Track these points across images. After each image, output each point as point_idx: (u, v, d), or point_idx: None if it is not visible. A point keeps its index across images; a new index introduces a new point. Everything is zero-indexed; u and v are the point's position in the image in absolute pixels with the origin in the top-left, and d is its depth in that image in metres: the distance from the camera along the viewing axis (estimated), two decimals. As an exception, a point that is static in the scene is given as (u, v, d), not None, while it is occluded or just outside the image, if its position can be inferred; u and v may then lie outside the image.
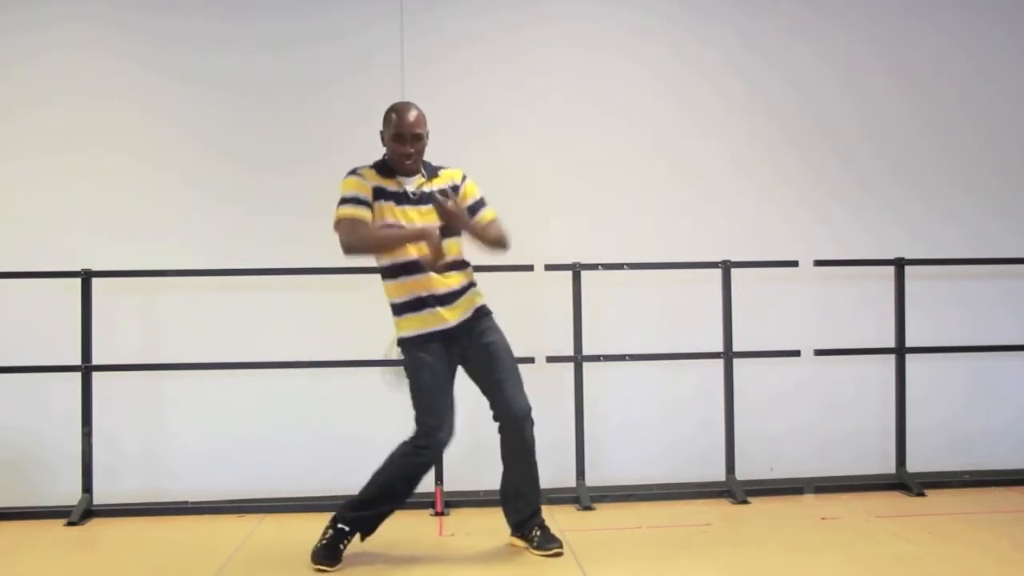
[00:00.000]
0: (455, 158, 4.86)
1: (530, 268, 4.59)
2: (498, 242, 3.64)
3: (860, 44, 5.15)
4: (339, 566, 3.50)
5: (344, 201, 3.57)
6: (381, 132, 3.66)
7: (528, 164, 4.90)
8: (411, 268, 3.54)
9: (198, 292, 4.71)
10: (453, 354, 3.62)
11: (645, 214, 5.00)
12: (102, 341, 4.50)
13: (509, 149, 4.91)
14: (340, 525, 3.57)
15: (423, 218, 3.56)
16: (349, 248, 3.54)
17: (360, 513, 3.59)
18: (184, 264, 4.61)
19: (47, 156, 4.76)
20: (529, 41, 5.01)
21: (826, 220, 5.08)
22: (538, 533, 3.68)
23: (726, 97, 5.07)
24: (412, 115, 3.57)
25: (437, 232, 3.46)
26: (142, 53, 4.83)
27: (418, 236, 3.49)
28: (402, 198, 3.58)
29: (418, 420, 3.56)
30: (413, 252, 3.52)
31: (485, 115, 4.91)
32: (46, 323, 4.63)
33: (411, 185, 3.60)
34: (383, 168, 3.63)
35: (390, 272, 3.59)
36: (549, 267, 4.63)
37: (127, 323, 4.73)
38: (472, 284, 3.69)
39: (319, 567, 3.48)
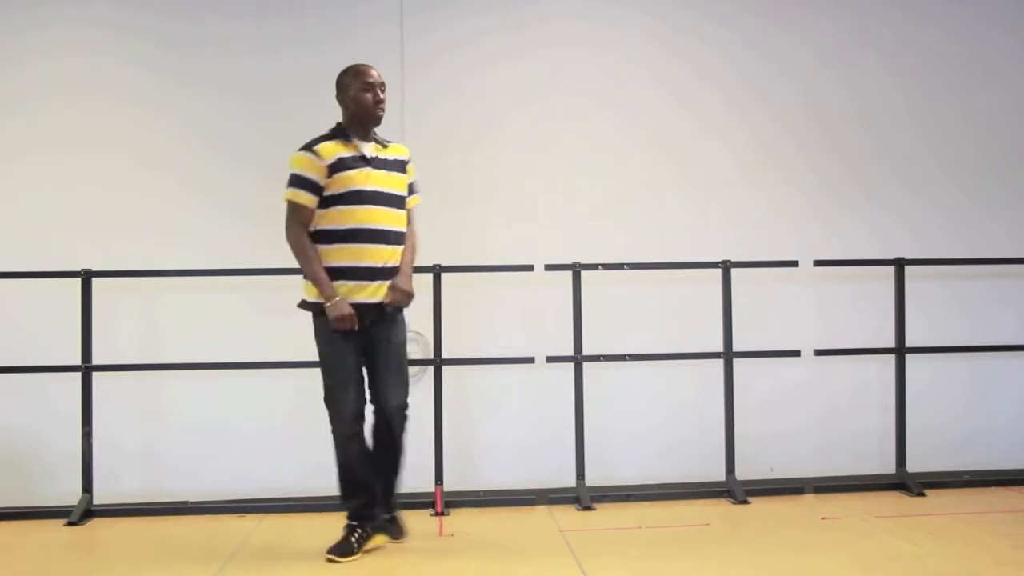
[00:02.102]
0: (455, 158, 4.90)
1: (530, 268, 4.59)
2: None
3: (861, 44, 5.16)
4: (353, 558, 3.58)
5: (293, 181, 3.64)
6: (338, 96, 3.76)
7: (528, 164, 4.91)
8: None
9: (198, 292, 4.71)
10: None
11: (645, 214, 5.00)
12: (102, 341, 4.50)
13: (509, 149, 4.92)
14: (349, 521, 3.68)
15: (383, 182, 3.64)
16: (287, 236, 3.67)
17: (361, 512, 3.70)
18: (184, 264, 4.61)
19: (47, 156, 4.76)
20: (529, 41, 5.01)
21: (826, 220, 5.08)
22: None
23: (726, 97, 5.07)
24: (375, 69, 3.74)
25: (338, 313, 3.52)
26: (142, 53, 4.84)
27: (325, 296, 3.54)
28: (360, 161, 3.63)
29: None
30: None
31: (485, 115, 4.91)
32: (46, 323, 4.63)
33: (367, 150, 3.67)
34: (339, 134, 3.68)
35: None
36: (549, 267, 4.63)
37: (127, 323, 4.73)
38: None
39: (331, 557, 3.56)
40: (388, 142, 3.78)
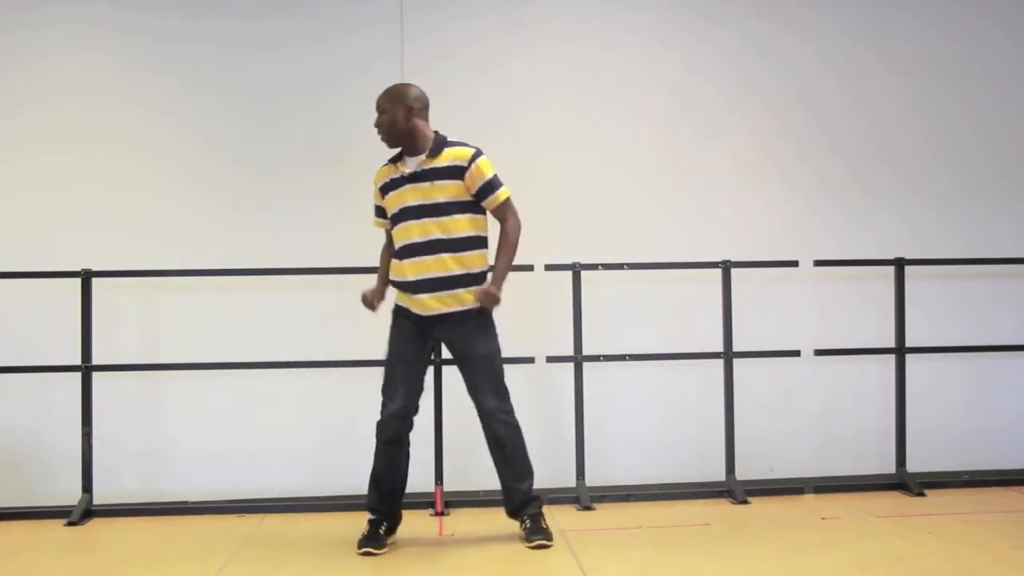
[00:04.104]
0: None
1: (530, 268, 4.59)
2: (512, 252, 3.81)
3: (861, 44, 5.16)
4: (384, 550, 3.68)
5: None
6: None
7: (528, 164, 4.89)
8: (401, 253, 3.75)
9: (198, 292, 4.71)
10: (427, 336, 3.79)
11: (645, 214, 5.00)
12: (102, 341, 4.50)
13: (509, 149, 4.88)
14: (371, 516, 3.75)
15: (418, 195, 3.67)
16: None
17: (372, 504, 3.77)
18: (184, 264, 4.61)
19: (47, 156, 4.76)
20: (529, 41, 5.01)
21: (826, 220, 5.08)
22: (528, 523, 3.76)
23: (726, 97, 5.07)
24: (380, 95, 3.78)
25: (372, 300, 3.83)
26: (142, 53, 4.84)
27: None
28: (399, 182, 3.72)
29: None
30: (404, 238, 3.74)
31: (485, 115, 4.90)
32: (46, 323, 4.63)
33: (411, 166, 3.71)
34: (397, 156, 3.79)
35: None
36: (549, 267, 4.63)
37: (127, 323, 4.73)
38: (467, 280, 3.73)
39: (365, 550, 3.63)
40: (447, 147, 3.69)
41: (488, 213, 3.76)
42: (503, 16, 5.00)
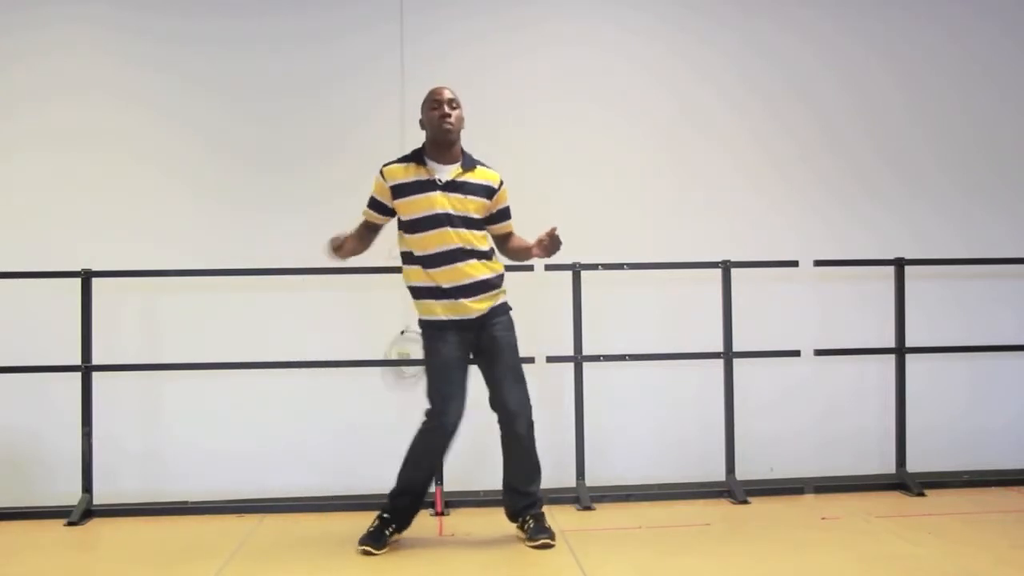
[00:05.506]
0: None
1: (530, 268, 4.59)
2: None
3: (861, 44, 5.16)
4: (383, 551, 3.66)
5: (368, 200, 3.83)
6: (420, 120, 3.79)
7: (528, 164, 4.90)
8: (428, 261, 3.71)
9: (199, 292, 4.71)
10: (467, 343, 3.76)
11: (645, 214, 5.00)
12: (102, 341, 4.50)
13: (509, 149, 4.89)
14: (384, 514, 3.75)
15: (453, 204, 3.67)
16: None
17: (393, 503, 3.77)
18: (184, 264, 4.60)
19: (47, 156, 4.76)
20: (529, 41, 5.01)
21: (826, 220, 5.09)
22: (531, 523, 3.76)
23: (726, 97, 5.08)
24: (447, 88, 3.76)
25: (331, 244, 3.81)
26: (142, 53, 4.84)
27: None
28: (427, 186, 3.67)
29: (429, 399, 3.74)
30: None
31: (485, 115, 4.87)
32: (46, 323, 4.63)
33: (445, 174, 3.69)
34: (415, 157, 3.73)
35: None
36: (549, 267, 4.62)
37: (128, 323, 4.73)
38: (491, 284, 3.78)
39: (364, 548, 3.64)
40: (479, 165, 3.78)
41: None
42: (503, 16, 5.01)
